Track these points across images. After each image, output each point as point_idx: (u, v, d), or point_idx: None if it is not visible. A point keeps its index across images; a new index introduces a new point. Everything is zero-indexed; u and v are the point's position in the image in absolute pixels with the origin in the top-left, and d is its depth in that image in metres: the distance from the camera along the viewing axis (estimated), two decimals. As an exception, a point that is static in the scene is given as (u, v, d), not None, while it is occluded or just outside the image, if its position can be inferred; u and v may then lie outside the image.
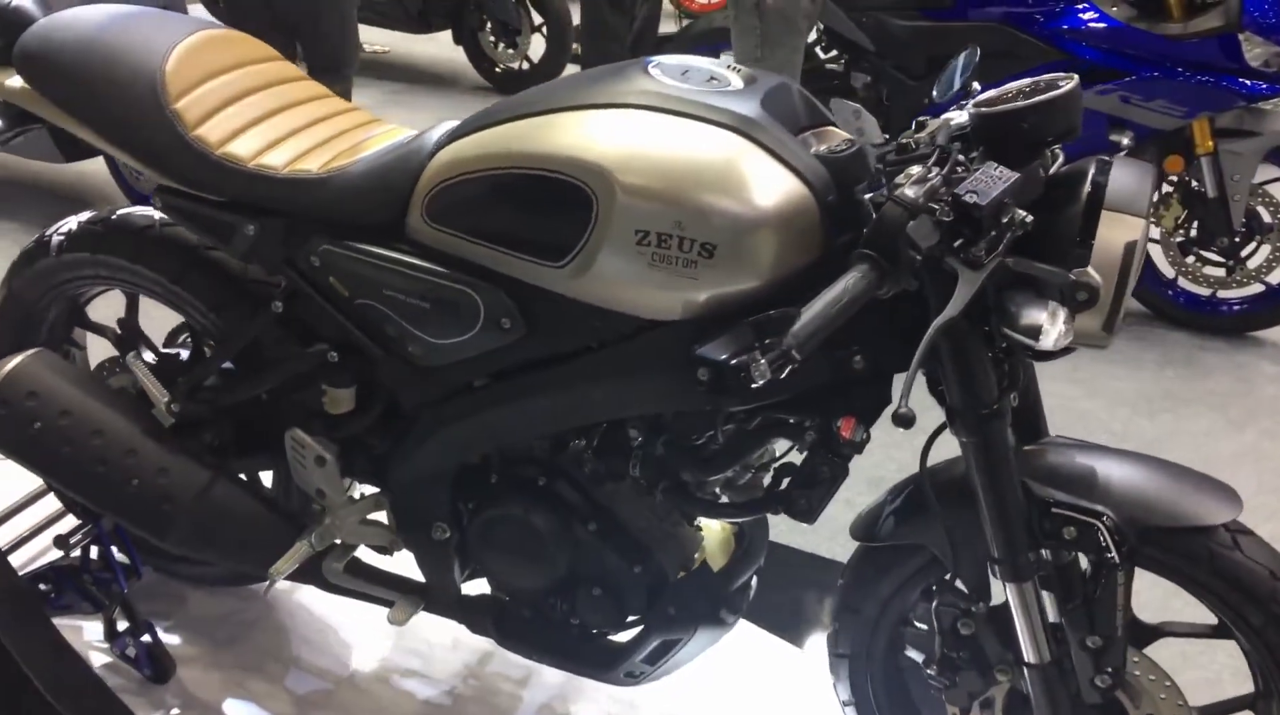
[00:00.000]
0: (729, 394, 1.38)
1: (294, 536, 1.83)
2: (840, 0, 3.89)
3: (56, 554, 2.08)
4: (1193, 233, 3.66)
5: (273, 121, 1.75)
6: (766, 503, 1.57)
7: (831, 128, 1.54)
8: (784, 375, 1.15)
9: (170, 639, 2.15)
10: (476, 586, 1.85)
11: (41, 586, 2.08)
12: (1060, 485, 1.45)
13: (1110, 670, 1.48)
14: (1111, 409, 3.28)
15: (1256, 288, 3.67)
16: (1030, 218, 1.23)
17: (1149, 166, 1.36)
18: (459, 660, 2.15)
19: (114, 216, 1.92)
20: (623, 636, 1.76)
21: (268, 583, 1.89)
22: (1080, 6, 3.58)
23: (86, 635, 2.13)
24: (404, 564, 1.87)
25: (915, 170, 1.26)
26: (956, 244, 1.21)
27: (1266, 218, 3.61)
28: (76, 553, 2.06)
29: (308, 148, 1.72)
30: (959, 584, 1.55)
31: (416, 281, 1.58)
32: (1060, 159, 1.38)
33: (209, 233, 1.74)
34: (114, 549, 2.06)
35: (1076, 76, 1.30)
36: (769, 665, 2.20)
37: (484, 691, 2.09)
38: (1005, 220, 1.22)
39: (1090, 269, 1.26)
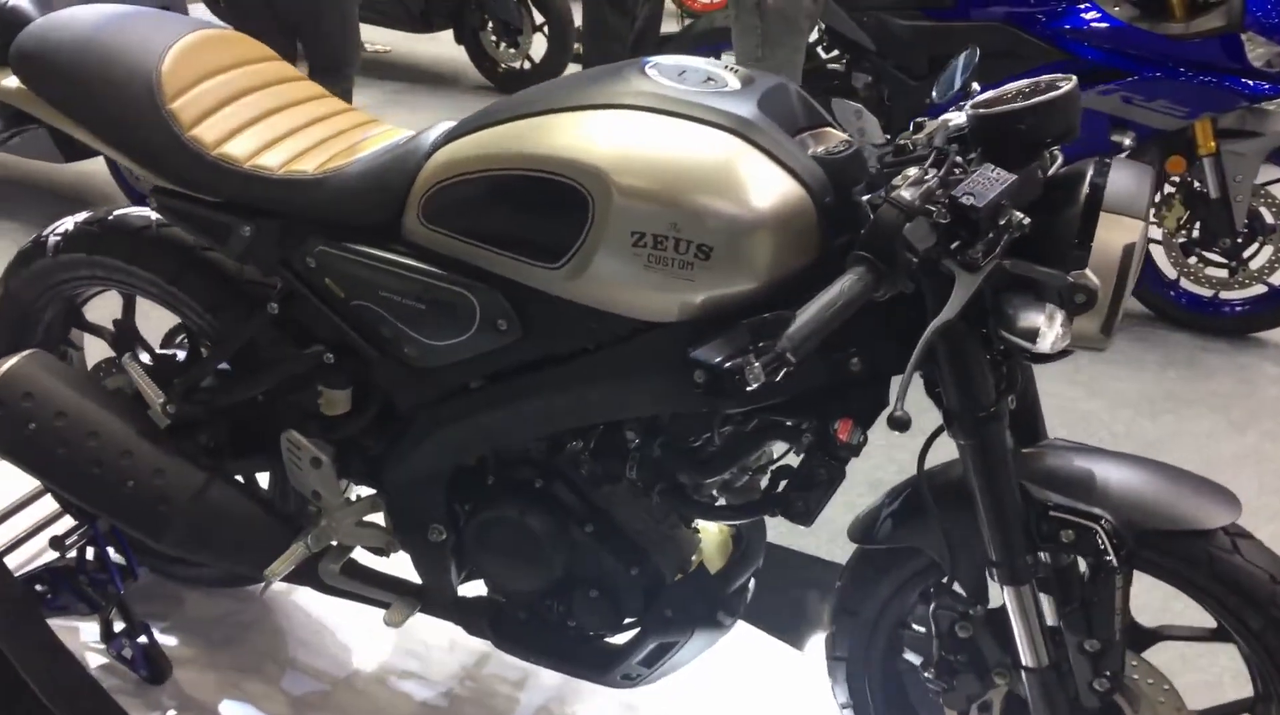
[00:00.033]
0: (725, 396, 1.36)
1: (290, 538, 1.83)
2: (842, 0, 3.88)
3: (53, 555, 2.08)
4: (1195, 233, 3.65)
5: (269, 122, 1.74)
6: (763, 505, 1.57)
7: (829, 129, 1.53)
8: (779, 378, 1.14)
9: (167, 640, 2.14)
10: (473, 588, 1.84)
11: (38, 588, 2.07)
12: (1058, 488, 1.45)
13: (1108, 674, 1.47)
14: (1113, 410, 3.27)
15: (1259, 289, 3.66)
16: (1028, 220, 1.22)
17: (1148, 168, 1.36)
18: (456, 662, 2.15)
19: (110, 217, 1.91)
20: (619, 639, 1.76)
21: (263, 584, 1.88)
22: (1082, 6, 3.57)
23: (83, 636, 2.13)
24: (400, 566, 1.87)
25: (912, 172, 1.25)
26: (953, 246, 1.21)
27: (1269, 218, 3.60)
28: (73, 554, 2.06)
29: (304, 148, 1.71)
30: (957, 587, 1.55)
31: (412, 283, 1.57)
32: (1059, 160, 1.37)
33: (204, 233, 1.73)
34: (110, 550, 2.06)
35: (1074, 78, 1.29)
36: (768, 668, 2.19)
37: (481, 693, 2.09)
38: (1002, 222, 1.21)
39: (1088, 271, 1.25)
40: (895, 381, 1.26)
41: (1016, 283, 1.27)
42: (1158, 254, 3.73)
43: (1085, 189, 1.30)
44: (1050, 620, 1.48)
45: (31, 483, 2.14)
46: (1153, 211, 3.63)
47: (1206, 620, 1.51)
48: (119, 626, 2.05)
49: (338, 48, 3.92)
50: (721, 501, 1.65)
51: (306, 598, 2.20)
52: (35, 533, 2.20)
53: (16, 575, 2.04)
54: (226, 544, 1.83)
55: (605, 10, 4.89)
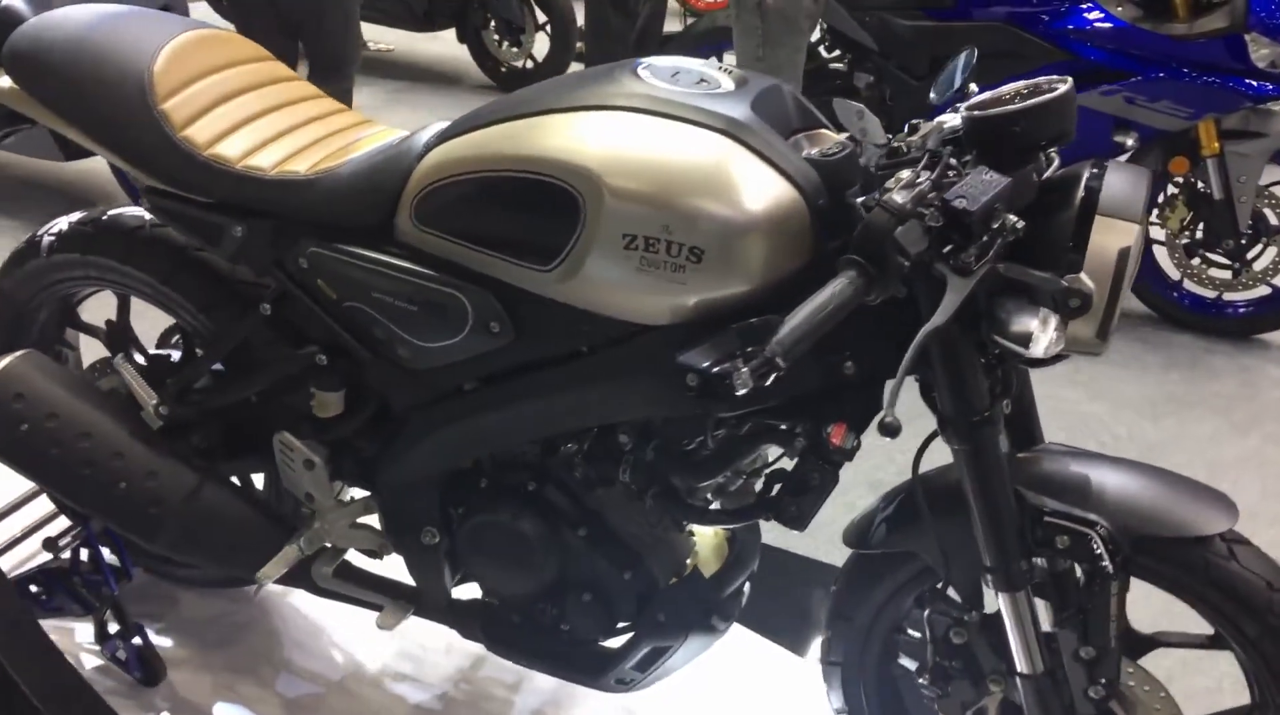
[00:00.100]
0: (718, 400, 1.36)
1: (283, 540, 1.82)
2: (843, 0, 3.87)
3: (47, 556, 2.07)
4: (1198, 234, 3.63)
5: (262, 122, 1.74)
6: (757, 509, 1.56)
7: (824, 130, 1.52)
8: (768, 383, 1.13)
9: (161, 641, 2.14)
10: (467, 591, 1.84)
11: (33, 589, 2.07)
12: (1054, 493, 1.43)
13: (1104, 681, 1.46)
14: (1115, 412, 3.25)
15: (1263, 290, 3.64)
16: (1021, 223, 1.21)
17: (1144, 171, 1.34)
18: (451, 664, 2.14)
19: (104, 217, 1.91)
20: (613, 643, 1.75)
21: (256, 586, 1.87)
22: (1085, 6, 3.55)
23: (77, 637, 2.12)
24: (394, 568, 1.86)
25: (905, 175, 1.24)
26: (946, 250, 1.19)
27: (1273, 219, 3.59)
28: (67, 555, 2.05)
29: (297, 149, 1.71)
30: (951, 592, 1.53)
31: (404, 284, 1.56)
32: (1056, 163, 1.36)
33: (197, 234, 1.73)
34: (104, 551, 2.05)
35: (1070, 79, 1.28)
36: (766, 671, 2.18)
37: (476, 696, 2.08)
38: (996, 226, 1.20)
39: (1083, 275, 1.24)
40: (889, 386, 1.25)
41: (1011, 287, 1.26)
42: (1161, 255, 3.71)
43: (1080, 192, 1.28)
44: (1046, 626, 1.47)
45: (26, 484, 2.14)
46: (1156, 212, 3.62)
47: (1204, 627, 1.50)
48: (113, 628, 2.04)
49: (339, 47, 3.92)
50: (715, 505, 1.64)
51: (302, 599, 2.19)
52: (30, 534, 2.19)
53: (11, 576, 2.04)
54: (219, 546, 1.82)
55: (607, 10, 4.88)
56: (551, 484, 1.67)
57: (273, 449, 1.79)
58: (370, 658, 2.15)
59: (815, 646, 2.08)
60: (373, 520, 1.84)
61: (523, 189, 1.44)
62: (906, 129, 1.43)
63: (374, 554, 1.88)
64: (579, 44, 5.89)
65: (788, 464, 1.54)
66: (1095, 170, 1.31)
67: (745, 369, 1.12)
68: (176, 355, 1.98)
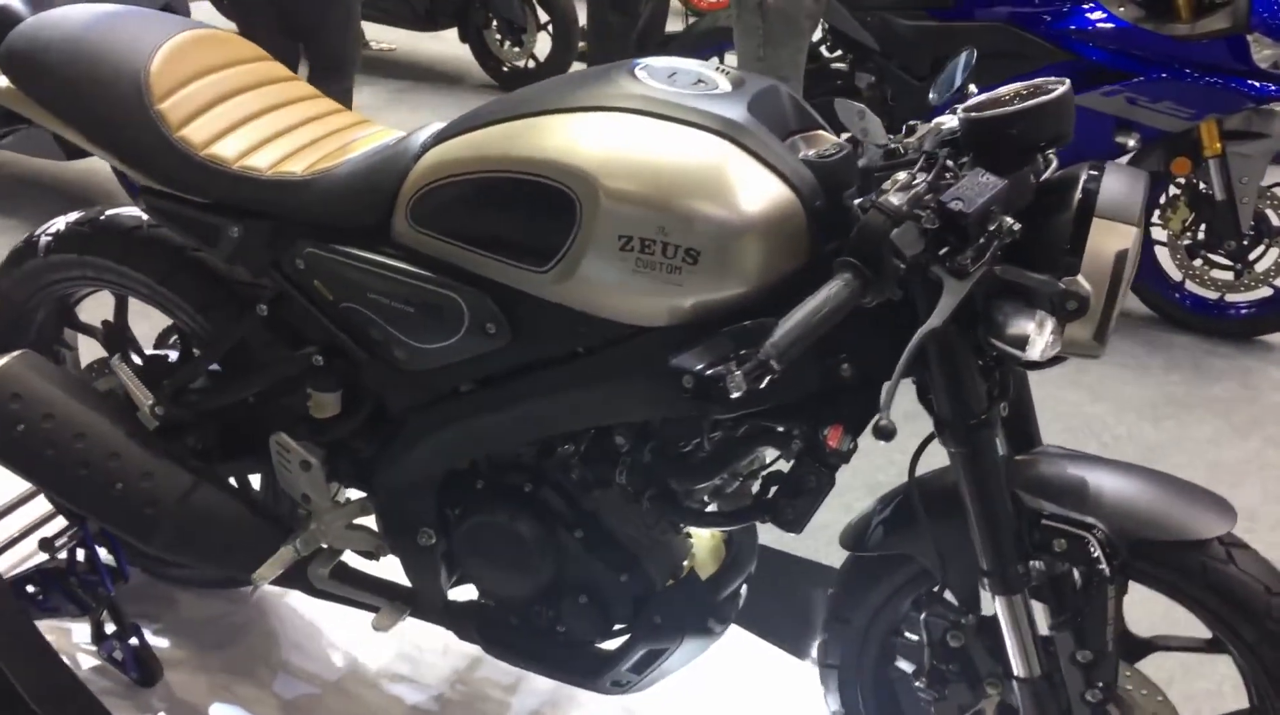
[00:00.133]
0: (713, 402, 1.35)
1: (280, 541, 1.82)
2: (845, 0, 3.86)
3: (43, 557, 2.07)
4: (1200, 236, 3.62)
5: (258, 123, 1.73)
6: (753, 511, 1.55)
7: (821, 132, 1.52)
8: (763, 385, 1.13)
9: (158, 642, 2.13)
10: (463, 593, 1.83)
11: (29, 589, 2.06)
12: (1051, 496, 1.43)
13: (1101, 685, 1.46)
14: (1116, 414, 3.24)
15: (1264, 291, 3.63)
16: (1018, 225, 1.21)
17: (1142, 173, 1.34)
18: (449, 665, 2.14)
19: (102, 217, 1.90)
20: (609, 645, 1.74)
21: (253, 587, 1.87)
22: (1087, 7, 3.54)
23: (74, 638, 2.12)
24: (391, 569, 1.85)
25: (901, 176, 1.23)
26: (942, 252, 1.19)
27: (1275, 221, 3.58)
28: (63, 555, 2.05)
29: (294, 149, 1.70)
30: (948, 595, 1.53)
31: (401, 285, 1.56)
32: (1054, 165, 1.35)
33: (194, 235, 1.72)
34: (101, 551, 2.05)
35: (1068, 81, 1.27)
36: (765, 673, 2.18)
37: (473, 697, 2.08)
38: (992, 228, 1.19)
39: (1080, 278, 1.23)
40: (886, 388, 1.24)
41: (1008, 289, 1.25)
42: (1162, 256, 3.70)
43: (1078, 194, 1.28)
44: (1043, 629, 1.47)
45: (22, 485, 2.13)
46: (1158, 213, 3.61)
47: (1203, 631, 1.49)
48: (110, 628, 2.04)
49: (339, 47, 3.92)
50: (712, 507, 1.63)
51: (299, 600, 2.19)
52: (26, 534, 2.19)
53: (7, 577, 2.04)
54: (215, 547, 1.82)
55: (608, 10, 4.88)
56: (548, 485, 1.67)
57: (269, 450, 1.78)
58: (367, 659, 2.15)
59: (814, 649, 2.08)
60: (369, 521, 1.84)
61: (518, 190, 1.43)
62: (904, 130, 1.43)
63: (370, 555, 1.87)
64: (581, 44, 5.88)
65: (784, 466, 1.53)
66: (1093, 172, 1.30)
67: (739, 372, 1.11)
68: (174, 356, 1.97)
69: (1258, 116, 3.43)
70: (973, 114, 1.27)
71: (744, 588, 1.79)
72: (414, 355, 1.60)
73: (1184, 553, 1.40)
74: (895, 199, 1.18)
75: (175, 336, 2.02)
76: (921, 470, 1.48)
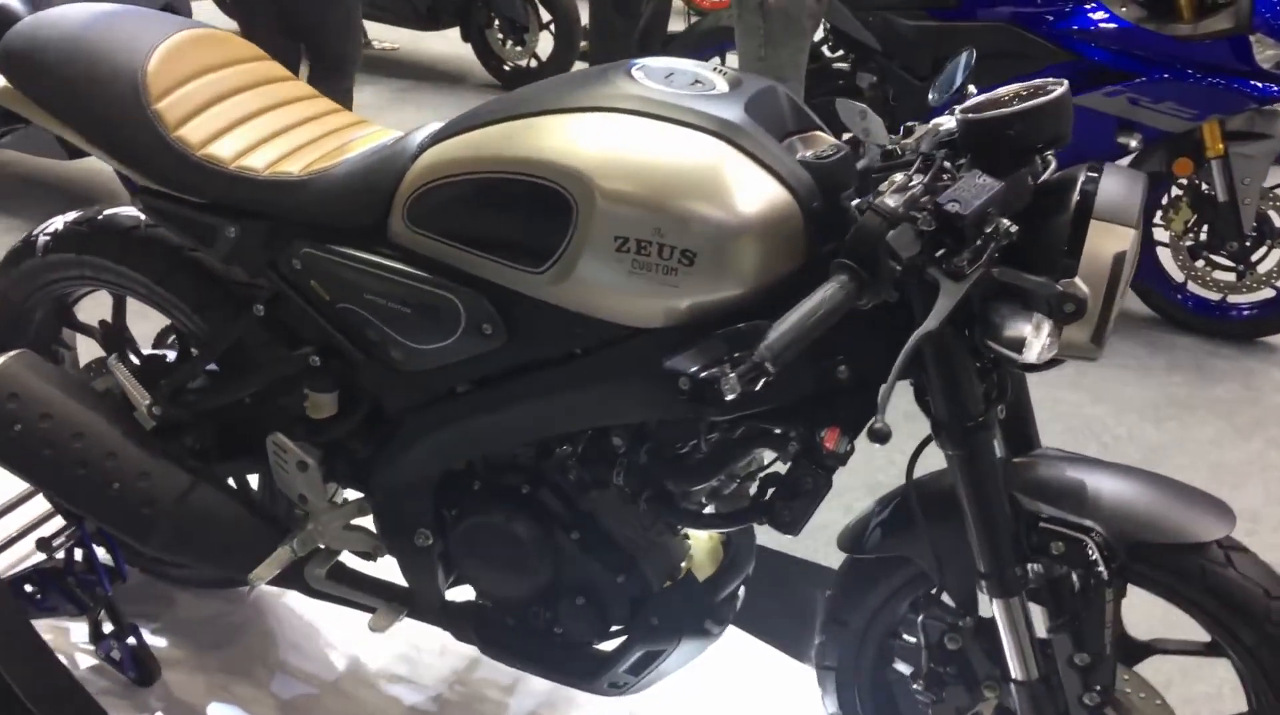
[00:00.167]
0: (708, 404, 1.35)
1: (277, 541, 1.81)
2: (846, 0, 3.85)
3: (41, 556, 2.07)
4: (1202, 237, 3.62)
5: (256, 123, 1.73)
6: (750, 513, 1.55)
7: (818, 133, 1.51)
8: (758, 388, 1.13)
9: (156, 642, 2.13)
10: (460, 593, 1.83)
11: (27, 589, 2.06)
12: (1049, 499, 1.42)
13: (1099, 688, 1.45)
14: (1118, 415, 3.24)
15: (1267, 293, 3.62)
16: (1015, 227, 1.20)
17: (1140, 175, 1.33)
18: (446, 666, 2.13)
19: (100, 217, 1.90)
20: (606, 646, 1.74)
21: (250, 587, 1.87)
22: (1089, 7, 3.54)
23: (72, 637, 2.12)
24: (388, 570, 1.85)
25: (897, 178, 1.23)
26: (938, 254, 1.18)
27: (1277, 222, 3.57)
28: (61, 555, 2.04)
29: (291, 149, 1.70)
30: (946, 598, 1.52)
31: (397, 286, 1.56)
32: (1053, 166, 1.35)
33: (190, 235, 1.72)
34: (99, 551, 2.05)
35: (1066, 82, 1.26)
36: (763, 674, 2.17)
37: (471, 698, 2.07)
38: (989, 230, 1.19)
39: (1078, 280, 1.22)
40: (882, 390, 1.23)
41: (1005, 291, 1.25)
42: (1165, 257, 3.69)
43: (1076, 196, 1.27)
44: (1040, 632, 1.47)
45: (20, 485, 2.13)
46: (1160, 214, 3.60)
47: (1201, 634, 1.49)
48: (108, 628, 2.03)
49: (340, 47, 3.91)
50: (709, 509, 1.63)
51: (297, 600, 2.19)
52: (24, 534, 2.19)
53: (5, 577, 2.04)
54: (212, 547, 1.82)
55: (610, 9, 4.88)
56: (545, 487, 1.66)
57: (266, 450, 1.78)
58: (365, 659, 2.14)
59: (812, 650, 2.07)
60: (366, 522, 1.84)
61: (515, 190, 1.43)
62: (902, 131, 1.42)
63: (368, 556, 1.87)
64: (583, 43, 5.88)
65: (782, 468, 1.53)
66: (1091, 174, 1.29)
67: (734, 374, 1.11)
68: (171, 356, 1.97)
69: (1260, 117, 3.42)
70: (970, 115, 1.26)
71: (742, 589, 1.79)
72: (410, 356, 1.60)
73: (1183, 556, 1.40)
74: (891, 201, 1.17)
75: (173, 336, 2.02)
76: (921, 472, 1.48)
